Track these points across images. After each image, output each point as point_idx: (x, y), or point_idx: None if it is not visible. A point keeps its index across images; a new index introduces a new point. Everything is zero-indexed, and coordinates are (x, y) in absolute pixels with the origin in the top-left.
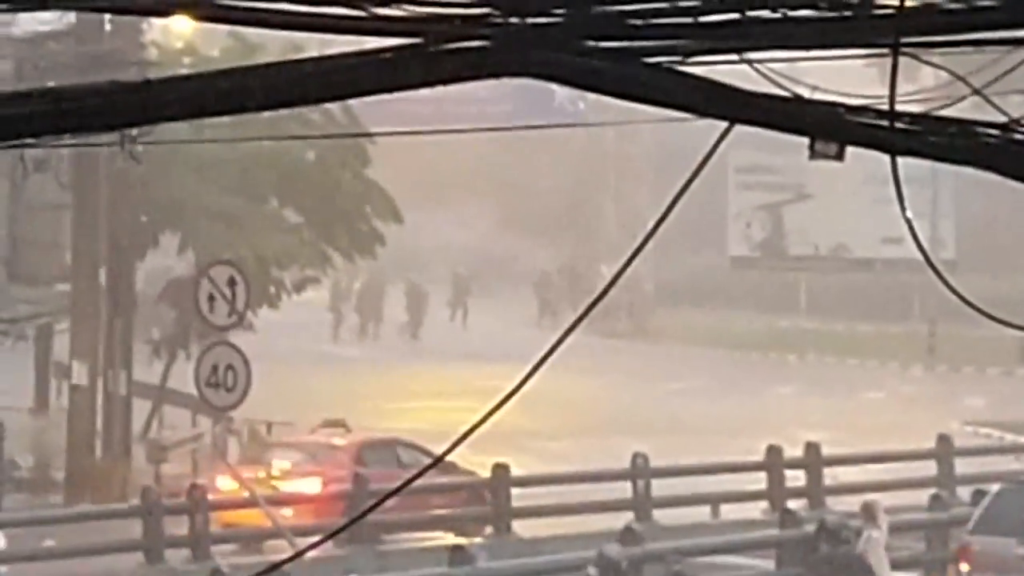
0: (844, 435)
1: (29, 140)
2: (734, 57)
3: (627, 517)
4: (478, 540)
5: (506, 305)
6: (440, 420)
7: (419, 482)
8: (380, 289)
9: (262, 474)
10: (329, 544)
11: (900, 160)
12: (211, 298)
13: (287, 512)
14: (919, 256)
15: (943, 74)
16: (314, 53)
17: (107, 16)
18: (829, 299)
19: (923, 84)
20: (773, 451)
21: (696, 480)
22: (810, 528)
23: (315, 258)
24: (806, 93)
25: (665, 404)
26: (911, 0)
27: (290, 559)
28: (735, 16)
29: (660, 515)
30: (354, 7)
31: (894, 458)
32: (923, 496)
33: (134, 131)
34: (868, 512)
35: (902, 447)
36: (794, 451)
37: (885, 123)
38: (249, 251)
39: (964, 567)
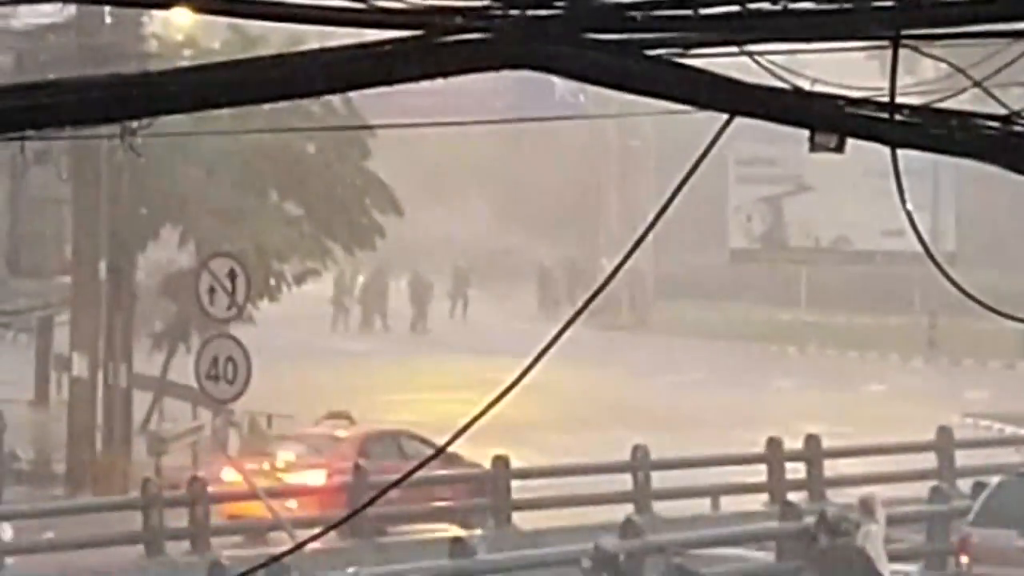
0: (845, 427)
1: (29, 133)
2: (735, 49)
3: (627, 509)
4: (478, 532)
5: (506, 298)
6: (441, 412)
7: (421, 474)
8: (384, 282)
9: (267, 466)
10: (332, 536)
11: (900, 152)
12: (211, 290)
13: (292, 504)
14: (920, 248)
15: (943, 66)
16: (315, 46)
17: (107, 8)
18: (829, 292)
19: (923, 76)
20: (773, 443)
21: (696, 472)
22: (810, 520)
23: (315, 251)
24: (807, 85)
25: (666, 396)
26: None
27: (289, 551)
28: (735, 8)
29: (660, 507)
30: (355, 0)
31: (894, 450)
32: (923, 488)
33: (134, 124)
34: (866, 506)
35: (902, 439)
36: (794, 443)
37: (885, 115)
38: (249, 244)
39: (964, 559)
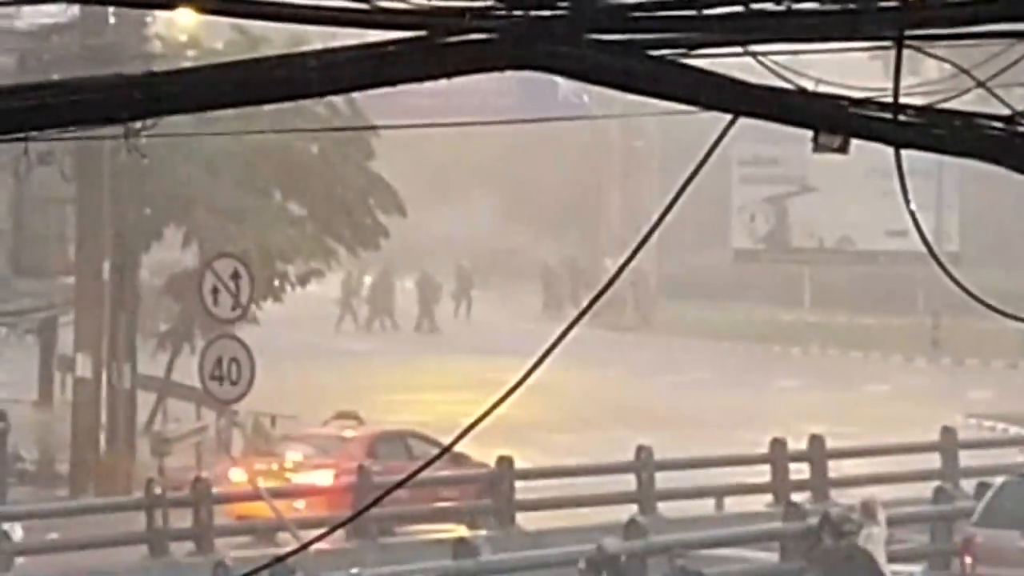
0: (848, 428)
1: (33, 133)
2: (738, 50)
3: (631, 510)
4: (482, 533)
5: (510, 298)
6: (445, 413)
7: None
8: (390, 282)
9: (275, 466)
10: (337, 537)
11: (904, 153)
12: (215, 291)
13: (299, 504)
14: (923, 249)
15: (947, 67)
16: (318, 46)
17: (111, 9)
18: (833, 292)
19: (927, 77)
20: (777, 444)
21: (700, 473)
22: (814, 521)
23: (319, 251)
24: (810, 86)
25: (669, 397)
26: None
27: (293, 552)
28: (739, 9)
29: (664, 508)
30: (359, 0)
31: (898, 451)
32: (927, 489)
33: (138, 124)
34: (867, 509)
35: (906, 440)
36: (798, 444)
37: (889, 116)
38: (253, 244)
39: (968, 560)
